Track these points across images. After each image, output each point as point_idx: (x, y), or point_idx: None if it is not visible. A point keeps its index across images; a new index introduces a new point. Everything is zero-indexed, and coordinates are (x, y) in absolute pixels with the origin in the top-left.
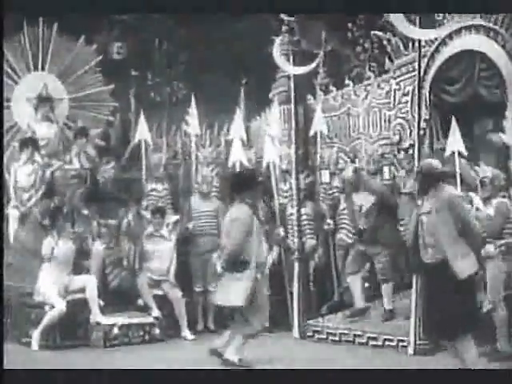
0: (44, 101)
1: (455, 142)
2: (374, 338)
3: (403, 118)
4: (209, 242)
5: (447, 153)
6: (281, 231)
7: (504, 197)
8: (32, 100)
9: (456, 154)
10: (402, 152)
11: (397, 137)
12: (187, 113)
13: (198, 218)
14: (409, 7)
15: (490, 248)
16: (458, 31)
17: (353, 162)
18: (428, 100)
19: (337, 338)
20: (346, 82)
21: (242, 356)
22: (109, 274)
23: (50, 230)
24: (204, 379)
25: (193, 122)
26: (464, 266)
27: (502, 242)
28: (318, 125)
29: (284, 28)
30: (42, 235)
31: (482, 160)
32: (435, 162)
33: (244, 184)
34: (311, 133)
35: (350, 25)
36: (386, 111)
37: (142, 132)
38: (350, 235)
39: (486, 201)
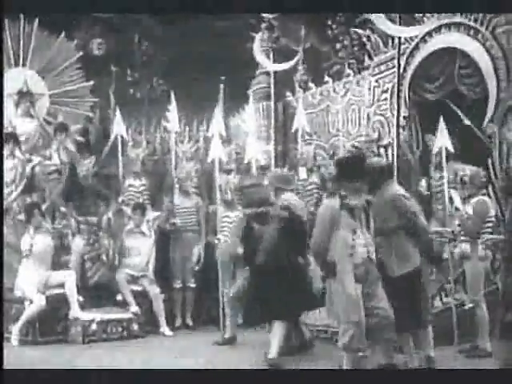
0: (25, 96)
1: (443, 138)
2: None
3: (382, 115)
4: (188, 239)
5: (434, 150)
6: None
7: (484, 195)
8: (13, 96)
9: (443, 151)
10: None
11: (376, 134)
12: (166, 109)
13: (178, 215)
14: (389, 7)
15: (466, 248)
16: (438, 29)
17: (331, 158)
18: (407, 97)
19: (315, 335)
20: (326, 78)
21: None
22: (88, 270)
23: (27, 226)
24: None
25: (172, 118)
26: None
27: (485, 238)
28: (300, 121)
29: (263, 25)
30: (22, 230)
31: (461, 158)
32: (377, 160)
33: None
34: (292, 129)
35: (329, 22)
36: (365, 108)
37: (118, 127)
38: None
39: (466, 199)
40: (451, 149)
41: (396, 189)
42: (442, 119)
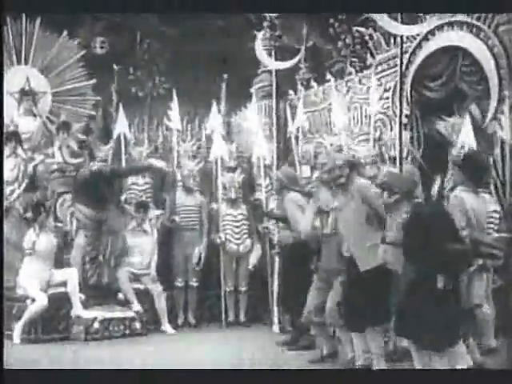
0: (27, 95)
1: (467, 136)
2: None
3: (384, 113)
4: (190, 237)
5: (458, 145)
6: (269, 225)
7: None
8: (15, 94)
9: (466, 148)
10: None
11: (378, 133)
12: (169, 107)
13: (181, 213)
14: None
15: None
16: (440, 27)
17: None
18: (409, 96)
19: None
20: (328, 77)
21: None
22: (90, 268)
23: (31, 224)
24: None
25: (174, 116)
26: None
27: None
28: (300, 120)
29: (266, 23)
30: (24, 229)
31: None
32: (341, 156)
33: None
34: (293, 128)
35: (331, 20)
36: (367, 107)
37: (121, 126)
38: None
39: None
40: (474, 147)
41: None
42: (467, 115)
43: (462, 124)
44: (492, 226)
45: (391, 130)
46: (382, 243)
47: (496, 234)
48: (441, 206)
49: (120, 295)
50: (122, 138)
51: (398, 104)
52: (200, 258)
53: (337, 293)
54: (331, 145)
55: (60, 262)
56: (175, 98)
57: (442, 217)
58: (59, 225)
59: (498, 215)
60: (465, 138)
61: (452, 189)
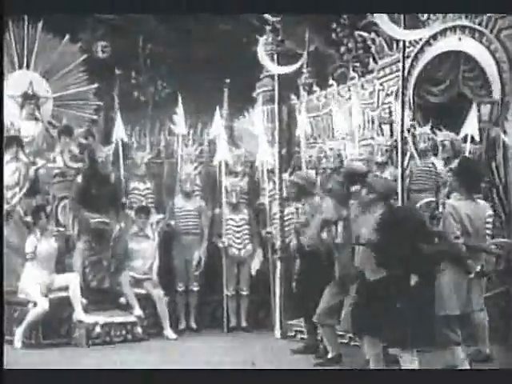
0: (29, 99)
1: (471, 125)
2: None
3: (386, 118)
4: (191, 242)
5: (461, 135)
6: (272, 230)
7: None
8: (17, 98)
9: (469, 138)
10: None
11: (380, 137)
12: (171, 112)
13: (181, 217)
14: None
15: None
16: (443, 32)
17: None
18: (412, 100)
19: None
20: (330, 82)
21: None
22: (91, 273)
23: (33, 228)
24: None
25: (179, 121)
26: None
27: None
28: (303, 125)
29: (268, 28)
30: (26, 233)
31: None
32: (358, 165)
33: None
34: (296, 133)
35: (334, 25)
36: (370, 112)
37: (119, 132)
38: None
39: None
40: (477, 137)
41: None
42: (474, 106)
43: (468, 114)
44: (489, 232)
45: (392, 135)
46: (356, 244)
47: (494, 239)
48: (413, 208)
49: (121, 300)
50: (120, 144)
51: (400, 109)
52: (199, 262)
53: (352, 300)
54: (331, 149)
55: (61, 266)
56: (180, 102)
57: (413, 218)
58: (61, 229)
59: (491, 219)
60: (468, 128)
61: (448, 196)
